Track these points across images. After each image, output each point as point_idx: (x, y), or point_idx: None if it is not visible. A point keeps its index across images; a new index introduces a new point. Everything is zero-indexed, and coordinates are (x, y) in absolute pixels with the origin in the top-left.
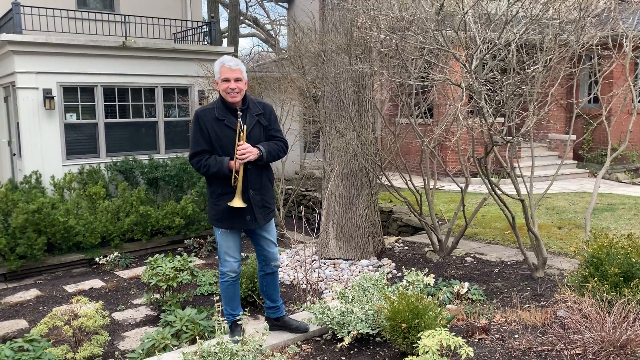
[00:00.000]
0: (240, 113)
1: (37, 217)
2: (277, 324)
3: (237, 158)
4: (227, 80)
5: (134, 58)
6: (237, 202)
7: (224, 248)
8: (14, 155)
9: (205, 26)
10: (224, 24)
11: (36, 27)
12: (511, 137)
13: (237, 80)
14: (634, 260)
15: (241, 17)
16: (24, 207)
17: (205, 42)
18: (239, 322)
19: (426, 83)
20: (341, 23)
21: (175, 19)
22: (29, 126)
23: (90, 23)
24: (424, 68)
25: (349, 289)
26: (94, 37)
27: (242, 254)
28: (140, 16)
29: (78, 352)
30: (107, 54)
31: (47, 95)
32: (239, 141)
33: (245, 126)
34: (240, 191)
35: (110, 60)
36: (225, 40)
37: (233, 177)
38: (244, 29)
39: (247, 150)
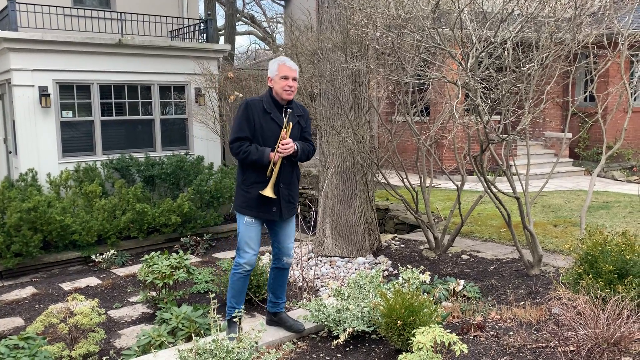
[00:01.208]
0: (290, 110)
1: (32, 216)
2: (274, 318)
3: (277, 151)
4: (286, 78)
5: (130, 55)
6: (269, 192)
7: (245, 238)
8: (10, 153)
9: (201, 24)
10: (220, 21)
11: (32, 24)
12: (507, 135)
13: (294, 79)
14: (628, 257)
15: (238, 15)
16: (17, 206)
17: (202, 40)
18: (234, 320)
19: (423, 81)
20: (337, 21)
21: (172, 17)
22: (25, 124)
23: (86, 20)
24: (421, 66)
25: (345, 287)
26: (90, 35)
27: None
28: (137, 13)
29: (74, 350)
30: (104, 51)
31: (43, 93)
32: (282, 136)
33: (290, 123)
34: (274, 182)
35: (107, 58)
36: (222, 38)
37: (270, 168)
38: (240, 27)
39: (289, 145)
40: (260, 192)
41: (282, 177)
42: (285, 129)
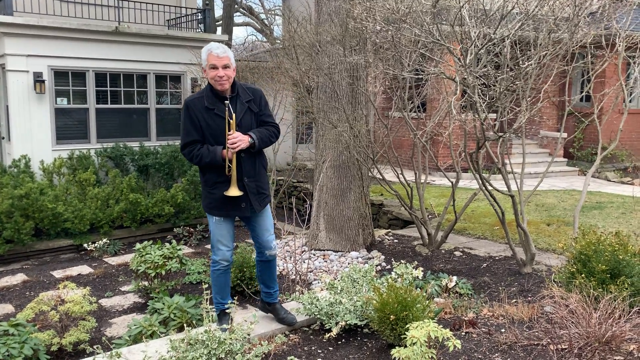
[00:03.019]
0: (228, 102)
1: (24, 202)
2: (269, 308)
3: (228, 148)
4: (214, 67)
5: (126, 44)
6: (234, 191)
7: (217, 236)
8: (3, 138)
9: (199, 13)
10: (218, 12)
11: (27, 9)
12: (503, 133)
13: (225, 67)
14: (621, 257)
15: (236, 6)
16: (9, 192)
17: (199, 30)
18: (227, 311)
19: (420, 76)
20: (337, 14)
21: (170, 5)
22: (19, 110)
23: (82, 7)
24: (419, 61)
25: (338, 280)
26: (87, 21)
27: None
28: (134, 1)
29: (64, 338)
30: (100, 38)
31: (38, 79)
32: (229, 130)
33: (234, 114)
34: (236, 180)
35: (103, 45)
36: (219, 29)
37: (227, 166)
38: (238, 18)
39: (238, 139)
40: (224, 193)
41: (244, 171)
42: (229, 123)
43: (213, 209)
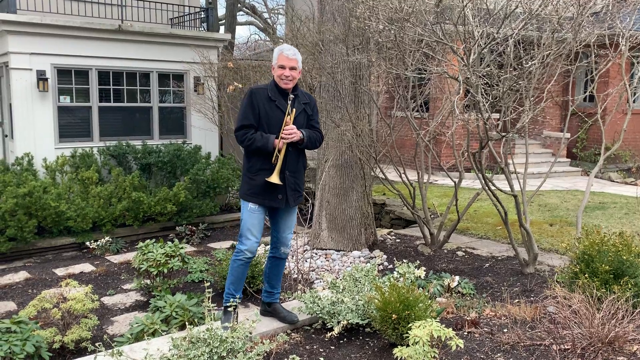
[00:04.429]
0: (292, 96)
1: (27, 201)
2: (269, 309)
3: (282, 137)
4: (282, 67)
5: (129, 42)
6: (275, 179)
7: (248, 225)
8: (6, 136)
9: (202, 12)
10: (221, 11)
11: (31, 7)
12: (507, 133)
13: (292, 68)
14: (624, 258)
15: (239, 5)
16: (13, 191)
17: (202, 29)
18: (229, 309)
19: (423, 76)
20: (339, 12)
21: (173, 4)
22: (22, 108)
23: (86, 5)
24: (422, 61)
25: (340, 279)
26: (90, 20)
27: None
28: None
29: (66, 335)
30: (103, 37)
31: (41, 77)
32: (286, 122)
33: (294, 109)
34: (279, 169)
35: (106, 44)
36: (222, 28)
37: (275, 155)
38: (241, 17)
39: (293, 131)
40: (266, 179)
41: (287, 164)
42: (288, 115)
43: (251, 196)
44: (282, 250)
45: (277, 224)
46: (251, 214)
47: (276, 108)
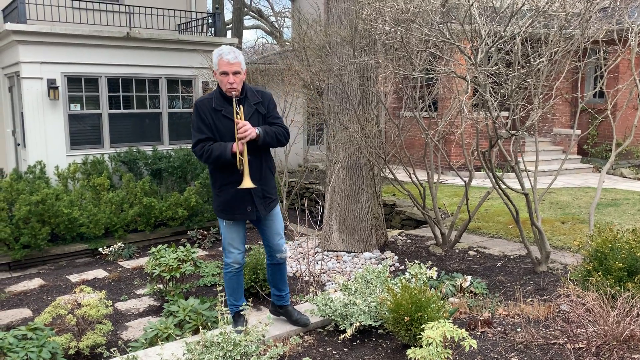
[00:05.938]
0: (235, 94)
1: (40, 208)
2: (280, 311)
3: (238, 138)
4: (225, 73)
5: (138, 49)
6: (247, 183)
7: (227, 239)
8: (18, 145)
9: (209, 17)
10: (228, 15)
11: (40, 17)
12: (516, 131)
13: (236, 73)
14: (638, 255)
15: (245, 9)
16: (26, 199)
17: (210, 34)
18: (242, 313)
19: (431, 76)
20: (346, 15)
21: (180, 10)
22: (33, 116)
23: (94, 13)
24: (429, 61)
25: (352, 281)
26: (98, 28)
27: (246, 246)
28: (145, 7)
29: (81, 341)
30: (112, 44)
31: (52, 86)
32: (237, 122)
33: (241, 106)
34: (248, 173)
35: (115, 51)
36: (229, 32)
37: (238, 159)
38: (248, 21)
39: (247, 127)
40: (238, 187)
41: (251, 174)
42: (237, 115)
43: (221, 212)
44: (278, 256)
45: (264, 233)
46: (228, 228)
47: (223, 117)
